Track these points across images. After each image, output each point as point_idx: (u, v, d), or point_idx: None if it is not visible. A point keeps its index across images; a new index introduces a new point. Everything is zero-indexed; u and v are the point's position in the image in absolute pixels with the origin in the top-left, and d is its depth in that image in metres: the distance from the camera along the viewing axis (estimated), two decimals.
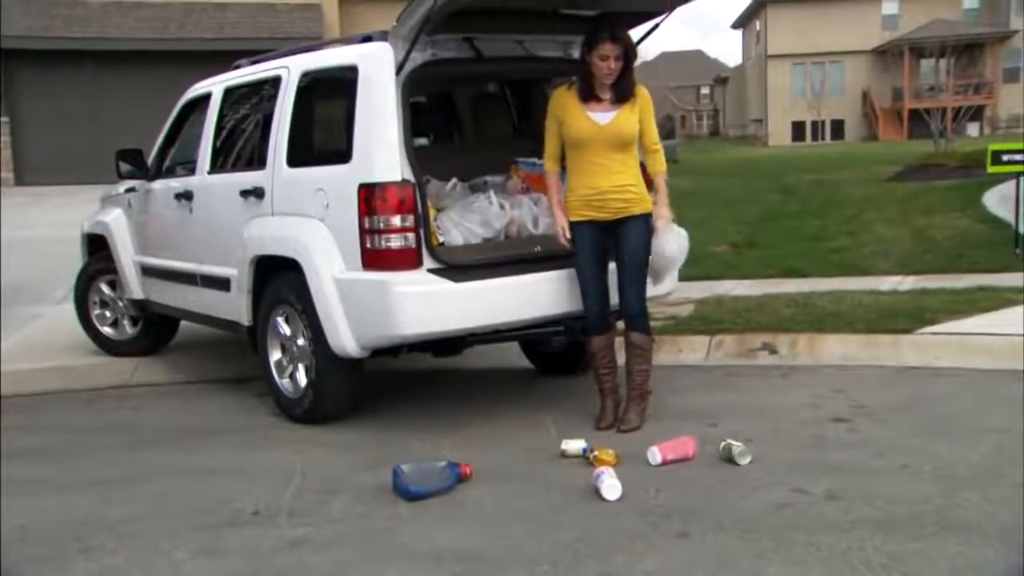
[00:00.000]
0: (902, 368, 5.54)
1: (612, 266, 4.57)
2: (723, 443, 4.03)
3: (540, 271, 4.61)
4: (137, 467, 4.39)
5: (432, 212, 4.57)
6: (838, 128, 44.07)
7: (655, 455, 4.01)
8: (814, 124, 43.81)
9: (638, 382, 4.60)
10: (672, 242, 4.49)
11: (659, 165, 4.54)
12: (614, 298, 4.58)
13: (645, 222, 4.47)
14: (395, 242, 4.34)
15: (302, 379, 4.86)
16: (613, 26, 4.39)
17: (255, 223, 5.02)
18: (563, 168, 4.62)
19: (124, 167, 6.21)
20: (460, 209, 4.85)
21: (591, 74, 4.41)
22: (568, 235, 4.53)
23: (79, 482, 4.18)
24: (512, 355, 5.83)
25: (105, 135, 14.83)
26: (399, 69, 4.39)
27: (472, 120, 5.97)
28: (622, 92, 4.42)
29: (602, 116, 4.42)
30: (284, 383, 4.99)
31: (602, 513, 3.52)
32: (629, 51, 4.38)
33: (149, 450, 4.69)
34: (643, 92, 4.49)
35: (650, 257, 4.49)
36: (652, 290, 4.65)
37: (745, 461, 3.93)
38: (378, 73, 4.40)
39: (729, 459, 3.95)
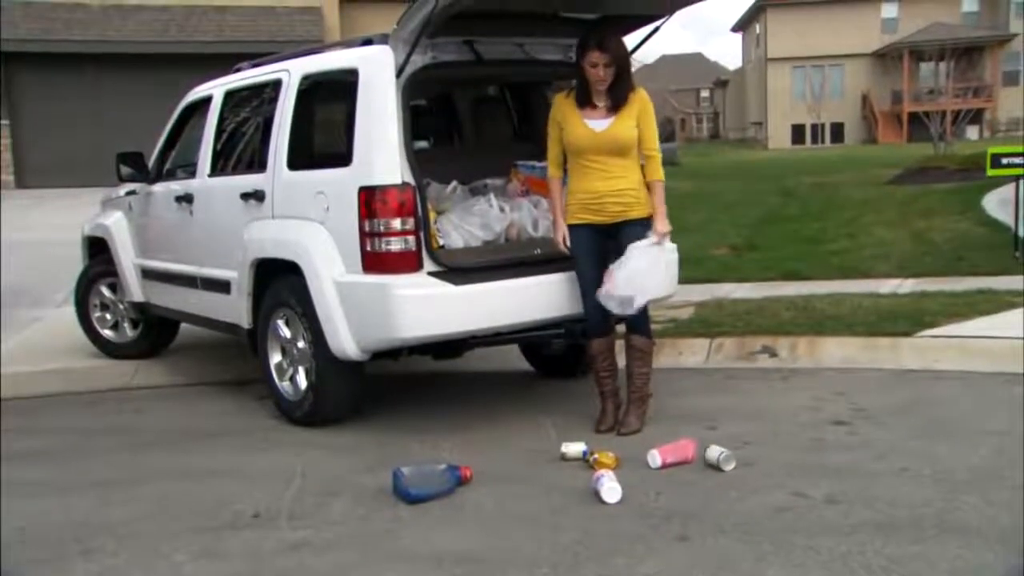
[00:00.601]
0: (902, 371, 5.54)
1: None
2: (707, 449, 4.01)
3: (540, 274, 4.61)
4: (137, 469, 4.40)
5: (432, 215, 4.58)
6: (838, 131, 44.12)
7: (655, 458, 4.01)
8: (814, 127, 43.86)
9: (638, 385, 4.60)
10: (641, 258, 4.32)
11: (656, 172, 4.49)
12: None
13: (644, 226, 4.47)
14: (395, 245, 4.34)
15: (302, 382, 4.86)
16: (602, 34, 4.40)
17: (255, 226, 5.02)
18: (567, 172, 4.62)
19: (125, 170, 6.22)
20: (460, 212, 4.85)
21: (586, 80, 4.42)
22: (567, 243, 4.54)
23: (79, 484, 4.19)
24: (512, 358, 5.83)
25: (105, 138, 14.85)
26: (399, 72, 4.40)
27: (472, 123, 5.98)
28: (616, 98, 4.42)
29: (598, 123, 4.43)
30: (284, 386, 5.00)
31: (602, 516, 3.52)
32: (620, 59, 4.38)
33: (149, 452, 4.69)
34: (642, 96, 4.48)
35: (623, 267, 4.33)
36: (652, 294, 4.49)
37: (730, 467, 3.92)
38: (378, 76, 4.41)
39: (715, 466, 3.95)
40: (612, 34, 4.45)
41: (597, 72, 4.36)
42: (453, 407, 5.22)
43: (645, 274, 4.35)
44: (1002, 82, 41.37)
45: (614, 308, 4.39)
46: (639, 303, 4.37)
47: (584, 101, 4.46)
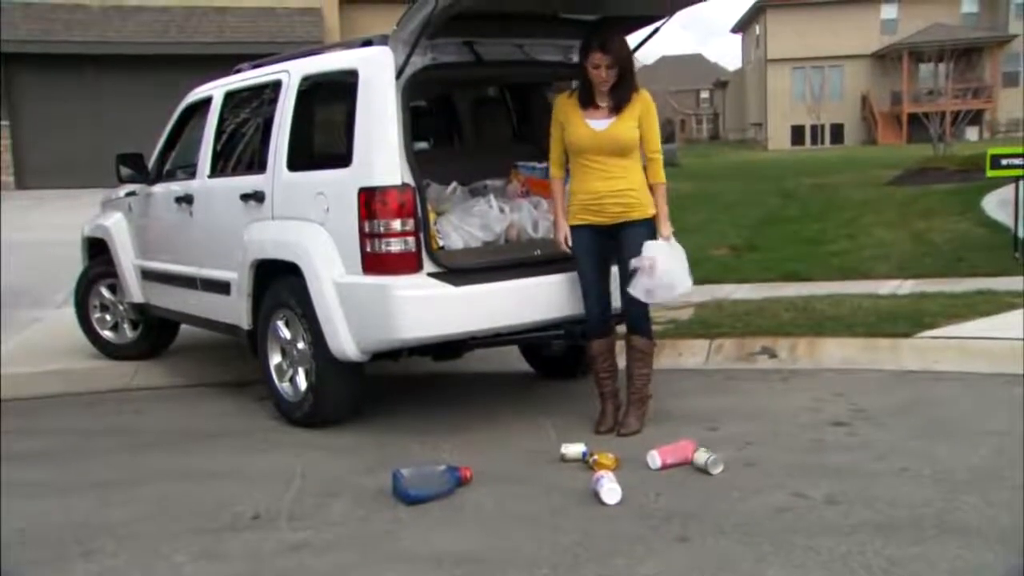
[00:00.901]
0: (901, 372, 5.54)
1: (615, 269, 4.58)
2: (695, 452, 4.01)
3: (540, 275, 4.61)
4: (137, 470, 4.40)
5: (432, 216, 4.58)
6: (837, 132, 44.12)
7: (655, 459, 4.01)
8: (813, 128, 43.87)
9: (638, 386, 4.60)
10: (671, 258, 4.40)
11: (658, 175, 4.50)
12: (616, 301, 4.59)
13: (645, 227, 4.47)
14: (395, 246, 4.35)
15: (302, 383, 4.86)
16: (604, 35, 4.40)
17: (255, 227, 5.02)
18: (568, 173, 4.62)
19: (124, 171, 6.22)
20: (460, 213, 4.85)
21: (590, 81, 4.42)
22: (569, 243, 4.54)
23: (79, 485, 4.19)
24: (512, 359, 5.83)
25: (105, 139, 14.86)
26: (399, 73, 4.40)
27: (472, 124, 5.98)
28: (619, 99, 4.42)
29: (599, 123, 4.43)
30: (284, 387, 5.00)
31: (602, 517, 3.52)
32: (622, 60, 4.39)
33: (149, 453, 4.69)
34: (645, 98, 4.48)
35: (642, 271, 4.36)
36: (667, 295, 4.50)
37: (718, 470, 3.91)
38: (378, 77, 4.41)
39: (704, 469, 3.93)
40: (615, 35, 4.45)
41: (600, 73, 4.36)
42: (453, 408, 5.22)
43: (679, 273, 4.41)
44: (1002, 83, 41.37)
45: (647, 297, 4.40)
46: (677, 293, 4.45)
47: (587, 101, 4.46)
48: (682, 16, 4.96)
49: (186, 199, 5.67)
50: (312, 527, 3.55)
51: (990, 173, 8.40)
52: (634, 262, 4.37)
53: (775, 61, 44.16)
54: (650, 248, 4.36)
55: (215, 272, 5.40)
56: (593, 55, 4.35)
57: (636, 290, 4.39)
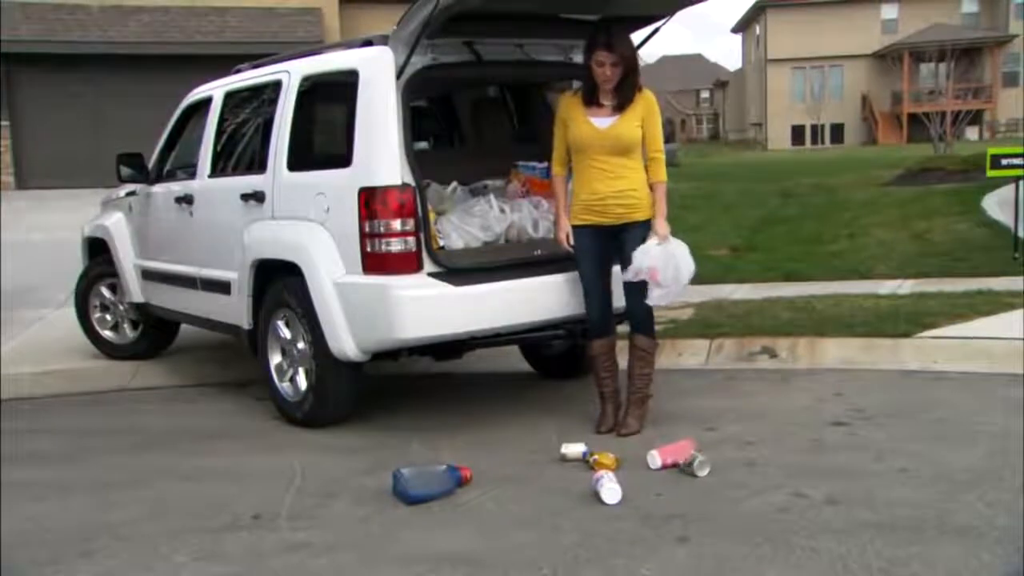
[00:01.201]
0: (901, 372, 5.54)
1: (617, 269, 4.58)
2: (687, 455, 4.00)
3: (540, 274, 4.62)
4: (137, 470, 4.40)
5: (432, 216, 4.58)
6: (837, 132, 44.15)
7: (655, 459, 4.01)
8: (813, 128, 43.90)
9: (639, 386, 4.60)
10: (675, 253, 4.38)
11: (659, 174, 4.49)
12: (619, 300, 4.59)
13: (648, 228, 4.46)
14: (395, 246, 4.35)
15: (302, 383, 4.87)
16: (609, 33, 4.40)
17: (255, 227, 5.02)
18: (571, 172, 4.62)
19: (125, 171, 6.22)
20: (460, 213, 4.85)
21: (594, 79, 4.42)
22: (571, 241, 4.54)
23: (80, 485, 4.19)
24: (512, 359, 5.83)
25: (106, 139, 14.85)
26: (399, 73, 4.40)
27: (472, 124, 5.98)
28: (622, 98, 4.42)
29: (602, 121, 4.43)
30: (284, 387, 5.00)
31: (602, 517, 3.52)
32: (627, 59, 4.39)
33: (149, 453, 4.69)
34: (648, 97, 4.48)
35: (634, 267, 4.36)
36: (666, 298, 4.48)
37: (703, 473, 3.89)
38: (378, 77, 4.41)
39: (691, 472, 3.91)
40: (620, 34, 4.45)
41: (604, 71, 4.36)
42: (453, 408, 5.22)
43: (681, 267, 4.39)
44: (1002, 83, 41.41)
45: (664, 300, 4.41)
46: (686, 281, 4.41)
47: (590, 100, 4.46)
48: (683, 16, 4.97)
49: (186, 199, 5.67)
50: (312, 527, 3.55)
51: (990, 173, 8.41)
52: (631, 273, 4.35)
53: (775, 61, 44.18)
54: (645, 257, 4.33)
55: (215, 272, 5.40)
56: (598, 53, 4.35)
57: (653, 299, 4.39)
